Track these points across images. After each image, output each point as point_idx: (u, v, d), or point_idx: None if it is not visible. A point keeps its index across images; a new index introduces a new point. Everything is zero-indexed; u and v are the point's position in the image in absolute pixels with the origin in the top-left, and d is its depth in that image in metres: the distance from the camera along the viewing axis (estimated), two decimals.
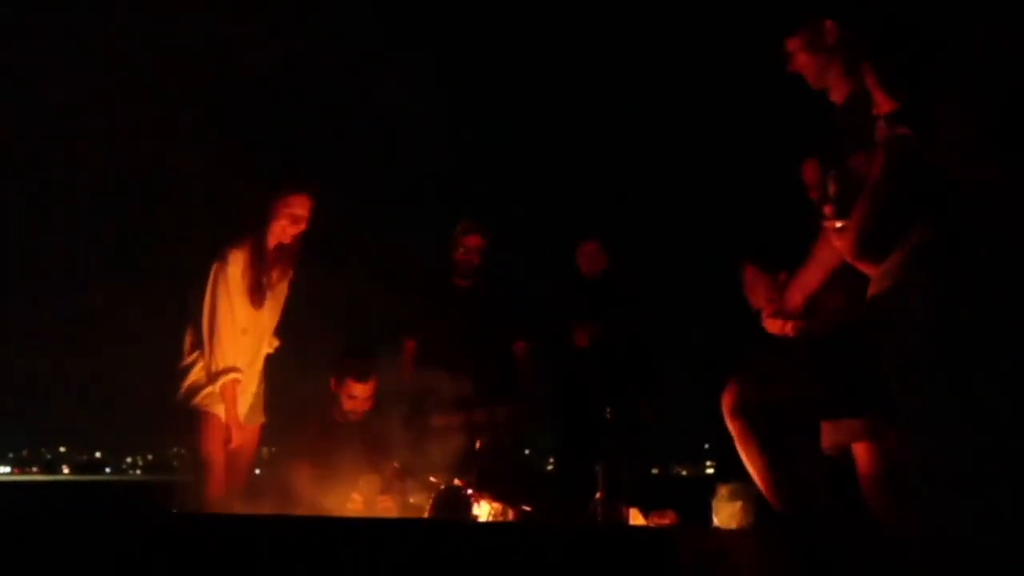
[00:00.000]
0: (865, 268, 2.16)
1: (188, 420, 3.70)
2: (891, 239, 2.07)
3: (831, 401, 2.69)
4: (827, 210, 2.34)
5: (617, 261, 4.70)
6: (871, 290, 2.11)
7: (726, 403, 3.03)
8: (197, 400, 3.68)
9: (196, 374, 3.72)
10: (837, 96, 2.72)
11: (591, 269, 4.69)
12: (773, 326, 2.83)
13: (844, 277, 2.31)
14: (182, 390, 3.72)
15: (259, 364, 3.88)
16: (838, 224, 2.30)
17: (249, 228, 3.83)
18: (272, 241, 3.83)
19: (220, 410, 3.69)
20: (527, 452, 4.85)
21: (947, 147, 2.01)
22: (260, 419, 3.87)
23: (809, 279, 2.69)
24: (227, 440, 3.70)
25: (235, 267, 3.73)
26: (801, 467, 2.92)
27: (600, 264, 4.68)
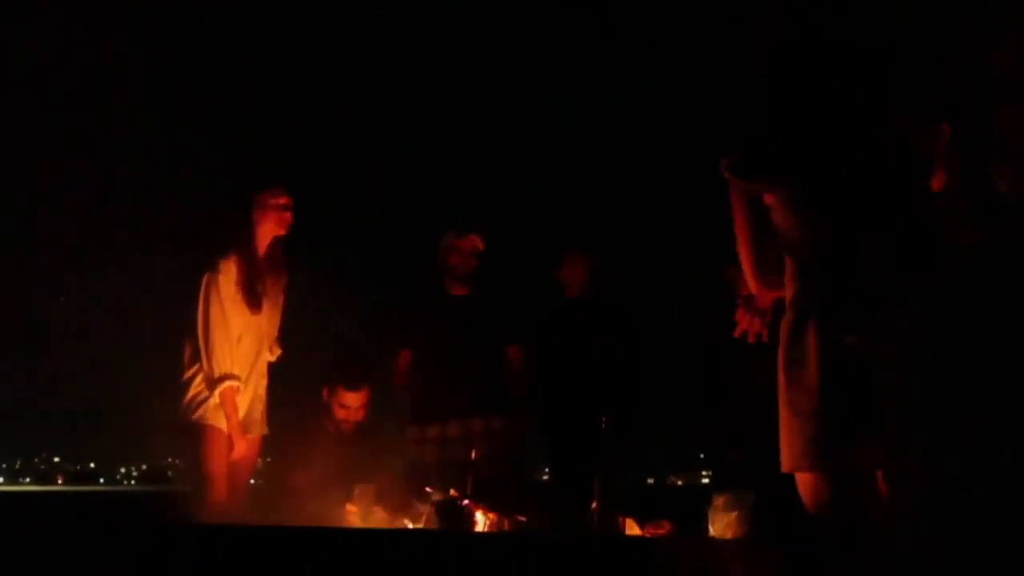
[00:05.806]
0: (779, 295, 2.24)
1: (190, 434, 3.71)
2: (778, 268, 2.19)
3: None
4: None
5: (605, 273, 4.60)
6: (787, 318, 2.19)
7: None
8: (199, 413, 3.68)
9: (197, 387, 3.71)
10: None
11: (574, 282, 4.57)
12: (743, 319, 2.82)
13: None
14: (183, 403, 3.72)
15: (262, 369, 3.86)
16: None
17: (235, 233, 3.82)
18: (264, 240, 3.82)
19: (222, 423, 3.68)
20: (522, 461, 4.80)
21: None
22: (263, 430, 3.86)
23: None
24: (229, 451, 3.69)
25: (226, 275, 3.72)
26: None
27: (582, 277, 4.55)
